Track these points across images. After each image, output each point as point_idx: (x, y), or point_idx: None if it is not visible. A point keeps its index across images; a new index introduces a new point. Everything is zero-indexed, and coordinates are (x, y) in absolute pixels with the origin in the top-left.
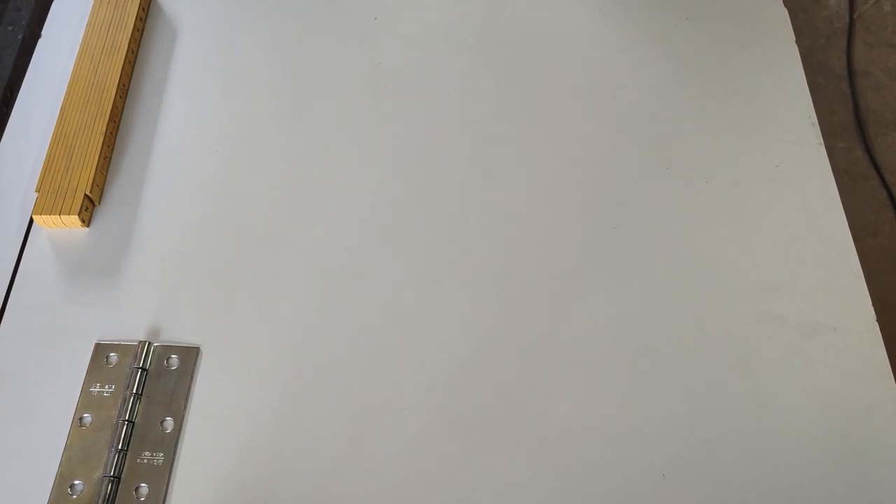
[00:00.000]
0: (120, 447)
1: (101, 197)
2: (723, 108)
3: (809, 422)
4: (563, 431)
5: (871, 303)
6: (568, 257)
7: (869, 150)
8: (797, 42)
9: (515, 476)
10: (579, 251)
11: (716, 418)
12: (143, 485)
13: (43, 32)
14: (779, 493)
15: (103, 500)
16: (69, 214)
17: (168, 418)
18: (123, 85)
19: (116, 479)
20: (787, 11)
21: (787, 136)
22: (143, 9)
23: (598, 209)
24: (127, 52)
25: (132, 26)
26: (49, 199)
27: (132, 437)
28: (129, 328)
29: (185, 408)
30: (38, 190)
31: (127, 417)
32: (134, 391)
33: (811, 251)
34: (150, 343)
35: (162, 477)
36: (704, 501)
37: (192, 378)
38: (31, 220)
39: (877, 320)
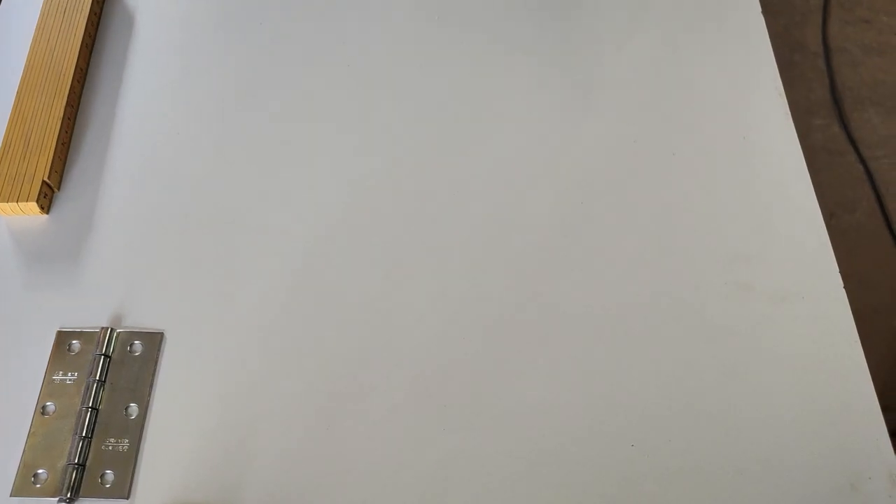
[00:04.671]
0: (84, 434)
1: (60, 183)
2: (689, 80)
3: (779, 389)
4: (532, 403)
5: (838, 270)
6: (536, 232)
7: (846, 127)
8: (773, 20)
9: (486, 450)
10: (547, 226)
11: (685, 387)
12: (108, 471)
13: None
14: (749, 461)
15: (68, 488)
16: (27, 201)
17: (132, 404)
18: (81, 68)
19: (81, 467)
20: None
21: (754, 108)
22: None
23: (565, 183)
24: (84, 34)
25: (89, 8)
26: (6, 185)
27: (96, 424)
28: (91, 315)
29: (150, 394)
30: None
31: (91, 404)
32: (97, 378)
33: (779, 221)
34: (112, 329)
35: (127, 463)
36: (674, 470)
37: (156, 364)
38: None
39: (855, 295)
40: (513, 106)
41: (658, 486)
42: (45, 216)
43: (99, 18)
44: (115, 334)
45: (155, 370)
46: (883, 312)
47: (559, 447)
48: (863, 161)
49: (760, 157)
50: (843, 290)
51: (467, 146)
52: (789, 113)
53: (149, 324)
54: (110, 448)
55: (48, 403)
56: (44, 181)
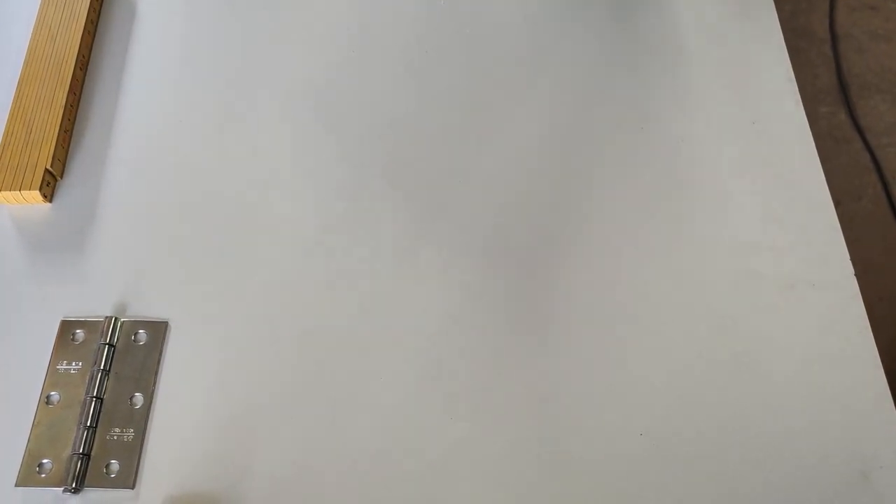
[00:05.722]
0: (89, 424)
1: (63, 171)
2: (698, 65)
3: (788, 378)
4: (540, 393)
5: (849, 258)
6: (542, 220)
7: (852, 114)
8: (779, 6)
9: (493, 440)
10: (554, 214)
11: (694, 376)
12: (113, 461)
13: None
14: (758, 451)
15: (73, 478)
16: (30, 190)
17: (137, 394)
18: (83, 56)
19: (86, 457)
20: None
21: (764, 93)
22: None
23: (572, 170)
24: (86, 22)
25: None
26: (8, 175)
27: (101, 414)
28: (95, 304)
29: (155, 383)
30: None
31: (95, 394)
32: (102, 367)
33: (789, 207)
34: (116, 318)
35: (133, 453)
36: (682, 459)
37: (161, 353)
38: None
39: (862, 283)
40: (518, 92)
41: (667, 475)
42: (48, 205)
43: (101, 5)
44: (119, 323)
45: (160, 359)
46: (889, 300)
47: (567, 437)
48: (869, 148)
49: (770, 143)
50: (854, 278)
51: (473, 132)
52: (800, 99)
53: (153, 313)
54: (115, 438)
55: (52, 393)
56: (46, 170)
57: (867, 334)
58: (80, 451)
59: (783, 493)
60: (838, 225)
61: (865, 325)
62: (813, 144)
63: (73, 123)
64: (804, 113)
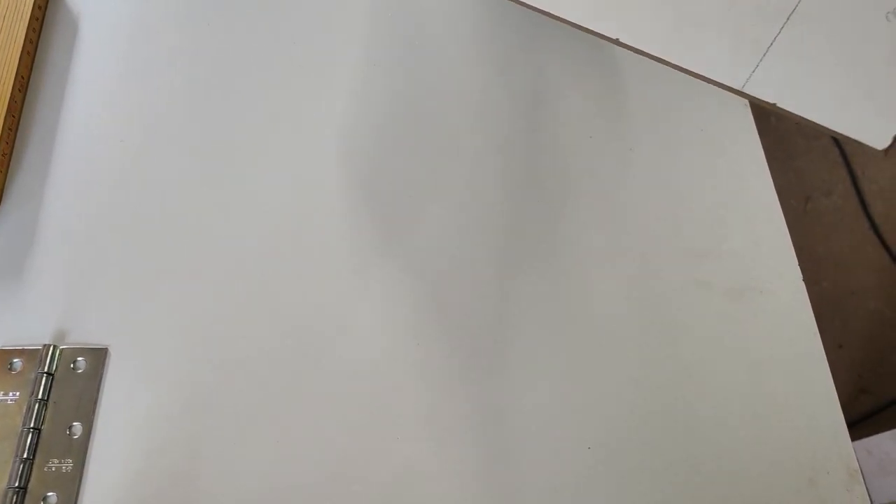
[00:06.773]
0: (25, 456)
1: (0, 196)
2: (644, 72)
3: (737, 386)
4: (486, 407)
5: (797, 263)
6: (490, 232)
7: None
8: None
9: (442, 458)
10: (502, 225)
11: (643, 387)
12: (51, 494)
13: None
14: (707, 459)
15: None
16: None
17: (76, 423)
18: (23, 77)
19: (23, 490)
20: None
21: (712, 99)
22: None
23: (522, 180)
24: (25, 42)
25: (30, 15)
26: None
27: (38, 445)
28: (33, 332)
29: (94, 412)
30: None
31: (32, 425)
32: (39, 397)
33: (738, 214)
34: (55, 346)
35: (72, 484)
36: (630, 471)
37: (100, 380)
38: None
39: (833, 277)
40: (467, 103)
41: (615, 487)
42: None
43: (41, 26)
44: (57, 351)
45: (99, 387)
46: (860, 294)
47: (515, 451)
48: (838, 144)
49: (719, 150)
50: (803, 283)
51: (426, 143)
52: (748, 103)
53: (93, 339)
54: (53, 469)
55: None
56: None
57: (815, 340)
58: (16, 484)
59: (732, 501)
60: (786, 230)
61: (814, 330)
62: (761, 149)
63: (13, 147)
64: (752, 119)
